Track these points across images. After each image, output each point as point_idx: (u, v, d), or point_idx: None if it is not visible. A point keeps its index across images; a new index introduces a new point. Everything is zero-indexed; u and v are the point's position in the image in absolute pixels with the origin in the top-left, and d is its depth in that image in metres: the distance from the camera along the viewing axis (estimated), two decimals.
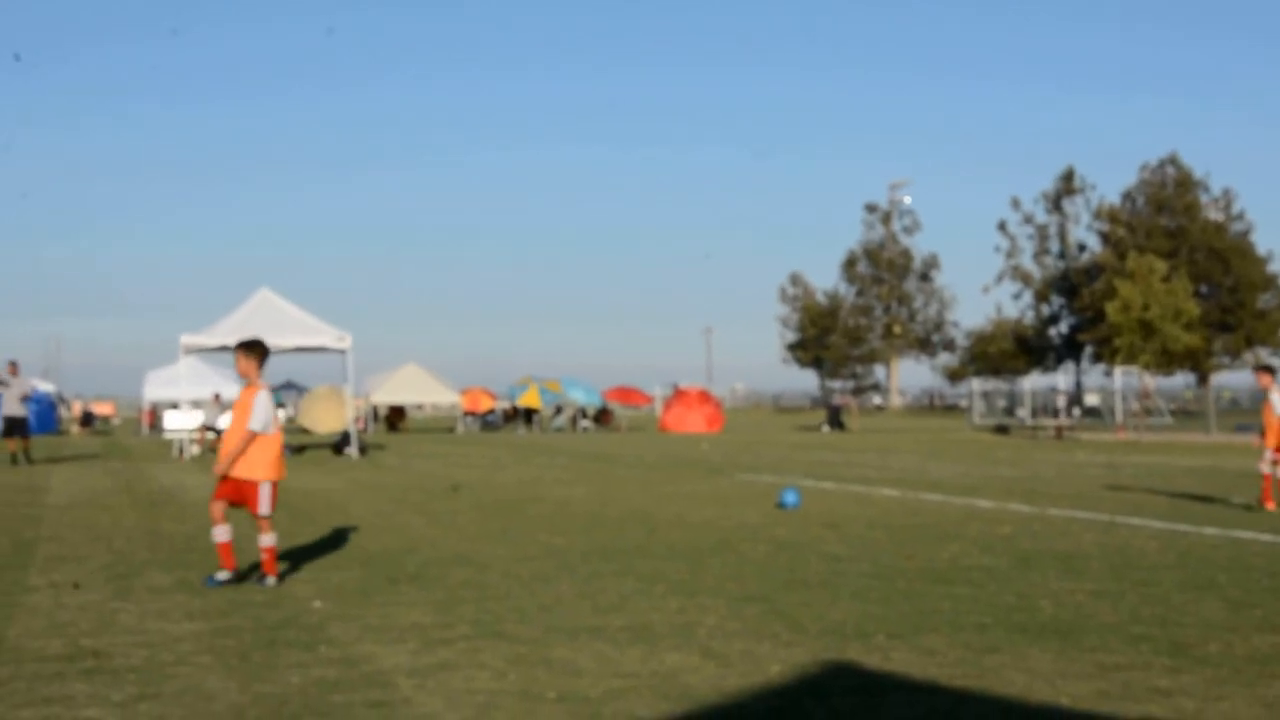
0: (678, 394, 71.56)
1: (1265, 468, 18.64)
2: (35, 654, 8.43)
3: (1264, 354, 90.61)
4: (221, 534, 11.45)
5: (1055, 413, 60.76)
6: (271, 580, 11.40)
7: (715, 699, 7.15)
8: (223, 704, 7.03)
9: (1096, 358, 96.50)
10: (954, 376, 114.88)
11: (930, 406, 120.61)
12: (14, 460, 31.41)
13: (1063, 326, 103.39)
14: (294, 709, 6.91)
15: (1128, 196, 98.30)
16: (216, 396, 43.30)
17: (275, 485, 11.48)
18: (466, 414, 72.86)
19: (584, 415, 71.71)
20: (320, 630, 9.23)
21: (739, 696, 7.21)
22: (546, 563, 12.93)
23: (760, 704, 7.06)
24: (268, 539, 11.55)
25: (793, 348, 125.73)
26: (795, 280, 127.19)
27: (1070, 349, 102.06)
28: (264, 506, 11.38)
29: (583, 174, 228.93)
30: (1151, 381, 66.81)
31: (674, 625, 9.40)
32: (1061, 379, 71.18)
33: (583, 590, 11.08)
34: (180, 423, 41.38)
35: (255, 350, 11.67)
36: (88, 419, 73.38)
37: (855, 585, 11.30)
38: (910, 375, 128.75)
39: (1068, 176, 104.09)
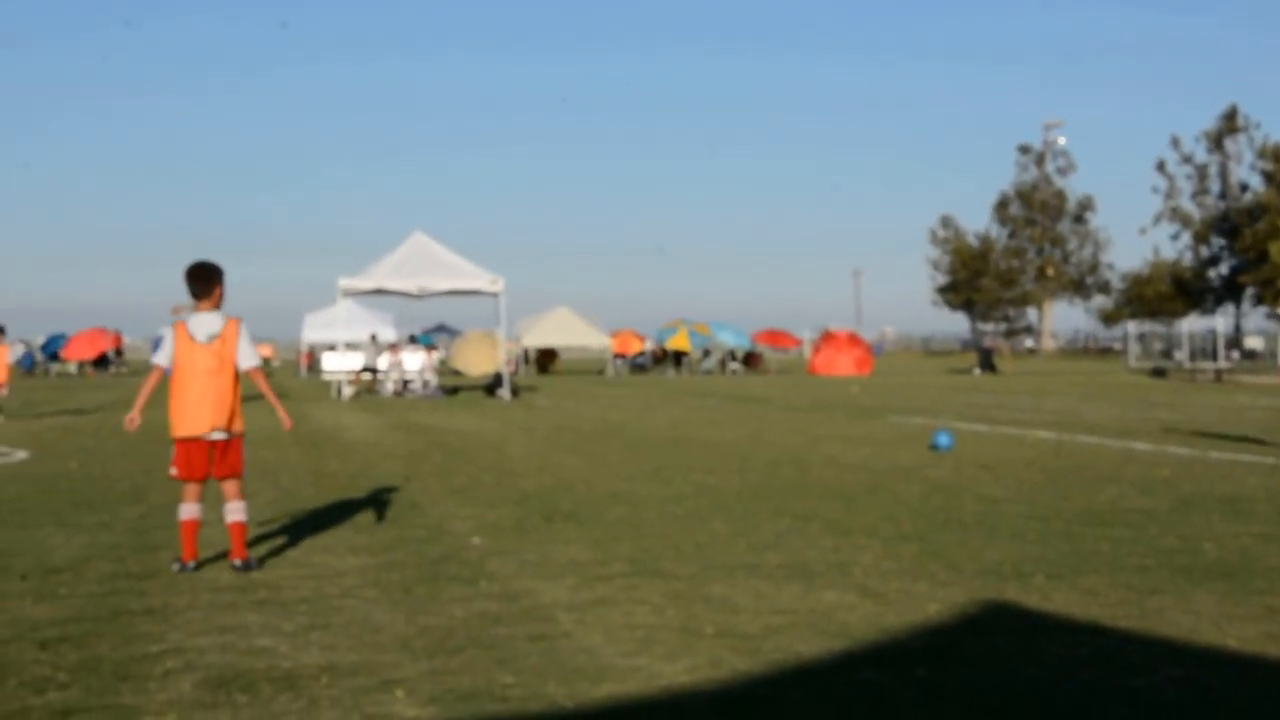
0: (827, 337, 71.13)
1: None
2: (209, 585, 8.74)
3: None
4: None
5: (1214, 355, 59.27)
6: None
7: (873, 636, 7.16)
8: (389, 635, 7.21)
9: (1258, 300, 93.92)
10: (1109, 319, 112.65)
11: (1084, 349, 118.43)
12: None
13: (1223, 268, 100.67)
14: (458, 641, 7.07)
15: None
16: (373, 338, 44.09)
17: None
18: (616, 356, 73.23)
19: (733, 358, 71.70)
20: (480, 566, 9.40)
21: (897, 634, 7.21)
22: (700, 502, 13.01)
23: (918, 642, 7.05)
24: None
25: (943, 290, 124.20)
26: (946, 223, 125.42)
27: (1230, 291, 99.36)
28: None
29: (733, 116, 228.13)
30: None
31: (830, 564, 9.41)
32: (1220, 322, 69.23)
33: (737, 529, 11.14)
34: (338, 364, 42.28)
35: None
36: None
37: (1012, 526, 11.20)
38: (1063, 318, 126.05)
39: (1230, 115, 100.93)
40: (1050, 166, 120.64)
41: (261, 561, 9.56)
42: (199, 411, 9.23)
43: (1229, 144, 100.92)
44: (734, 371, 69.62)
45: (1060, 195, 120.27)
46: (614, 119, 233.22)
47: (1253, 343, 74.18)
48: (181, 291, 9.50)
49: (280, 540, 10.63)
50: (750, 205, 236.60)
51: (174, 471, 9.38)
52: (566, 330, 69.87)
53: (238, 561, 9.29)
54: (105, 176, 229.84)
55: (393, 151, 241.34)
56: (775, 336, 78.78)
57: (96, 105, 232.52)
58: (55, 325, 79.30)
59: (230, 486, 9.41)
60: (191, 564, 9.23)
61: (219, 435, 9.33)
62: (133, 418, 9.41)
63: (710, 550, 10.04)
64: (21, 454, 18.89)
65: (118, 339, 74.76)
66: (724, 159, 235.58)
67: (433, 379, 41.35)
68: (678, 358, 71.35)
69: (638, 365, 75.16)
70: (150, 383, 9.36)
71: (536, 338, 69.18)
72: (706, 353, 72.61)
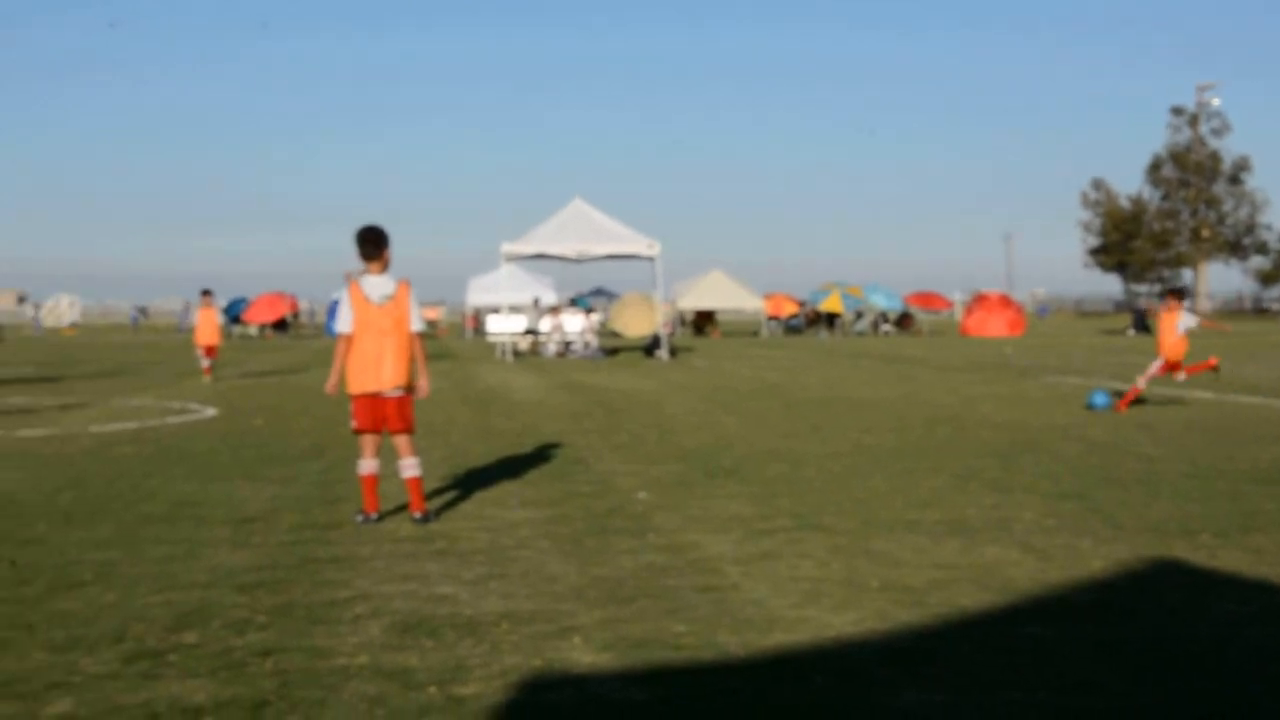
0: (979, 298, 70.40)
1: (1181, 378, 19.57)
2: (390, 536, 9.11)
3: None
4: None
5: None
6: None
7: (1038, 591, 7.23)
8: (564, 585, 7.48)
9: None
10: (1267, 280, 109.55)
11: (1241, 310, 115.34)
12: None
13: None
14: (629, 591, 7.31)
15: None
16: (536, 301, 44.73)
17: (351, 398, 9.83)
18: (770, 319, 73.29)
19: (885, 320, 71.23)
20: (646, 519, 9.65)
21: (1061, 589, 7.27)
22: (858, 459, 13.12)
23: (1084, 596, 7.11)
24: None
25: (1095, 253, 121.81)
26: (1098, 185, 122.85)
27: None
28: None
29: (886, 85, 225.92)
30: None
31: (990, 520, 9.48)
32: None
33: (896, 486, 11.24)
34: (502, 326, 43.08)
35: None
36: None
37: (1174, 485, 11.13)
38: (1220, 279, 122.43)
39: None
40: (1204, 128, 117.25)
41: (438, 514, 9.91)
42: (376, 369, 9.58)
43: None
44: (886, 333, 69.19)
45: (1215, 156, 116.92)
46: (767, 89, 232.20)
47: None
48: (349, 258, 9.77)
49: (453, 494, 11.00)
50: (904, 171, 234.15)
51: (355, 424, 9.73)
52: (721, 293, 70.17)
53: (417, 514, 9.65)
54: (278, 150, 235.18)
55: (555, 121, 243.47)
56: (927, 299, 77.98)
57: (267, 71, 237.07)
58: (234, 290, 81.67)
59: (403, 442, 9.72)
60: (374, 516, 9.62)
61: (395, 392, 9.64)
62: (332, 384, 9.68)
63: (870, 506, 10.17)
64: (211, 411, 19.70)
65: (294, 303, 76.59)
66: (876, 127, 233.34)
67: (593, 340, 41.89)
68: (830, 319, 71.07)
69: (791, 327, 74.98)
70: (340, 350, 9.67)
71: (692, 300, 69.57)
72: (859, 315, 72.16)
